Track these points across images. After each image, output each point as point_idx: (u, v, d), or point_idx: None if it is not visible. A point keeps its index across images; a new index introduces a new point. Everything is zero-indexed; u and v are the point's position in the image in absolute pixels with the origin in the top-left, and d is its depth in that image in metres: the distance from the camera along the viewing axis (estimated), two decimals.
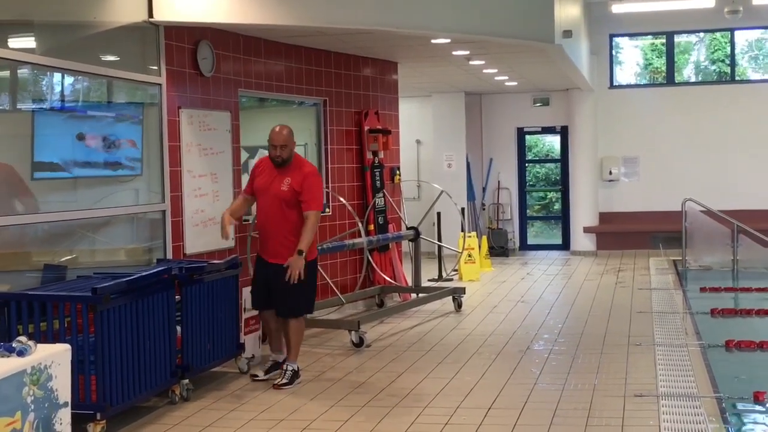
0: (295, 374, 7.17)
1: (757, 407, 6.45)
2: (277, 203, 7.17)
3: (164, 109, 8.06)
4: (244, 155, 9.69)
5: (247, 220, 9.29)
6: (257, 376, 7.33)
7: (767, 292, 11.69)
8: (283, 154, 7.20)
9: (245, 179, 9.70)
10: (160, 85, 8.03)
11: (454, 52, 11.04)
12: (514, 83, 15.30)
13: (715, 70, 17.55)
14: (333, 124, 10.77)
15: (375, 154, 11.21)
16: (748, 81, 17.12)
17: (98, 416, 5.67)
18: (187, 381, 6.72)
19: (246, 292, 7.76)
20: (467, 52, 11.15)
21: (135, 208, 8.03)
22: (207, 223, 8.54)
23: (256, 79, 9.47)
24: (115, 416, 5.93)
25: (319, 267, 9.49)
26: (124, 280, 6.14)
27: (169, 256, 7.95)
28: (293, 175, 7.20)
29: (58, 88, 7.43)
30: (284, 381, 7.10)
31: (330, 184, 10.55)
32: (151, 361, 6.26)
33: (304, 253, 7.00)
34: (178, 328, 6.70)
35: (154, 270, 6.72)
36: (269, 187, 7.23)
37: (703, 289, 11.75)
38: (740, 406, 6.45)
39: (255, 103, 10.48)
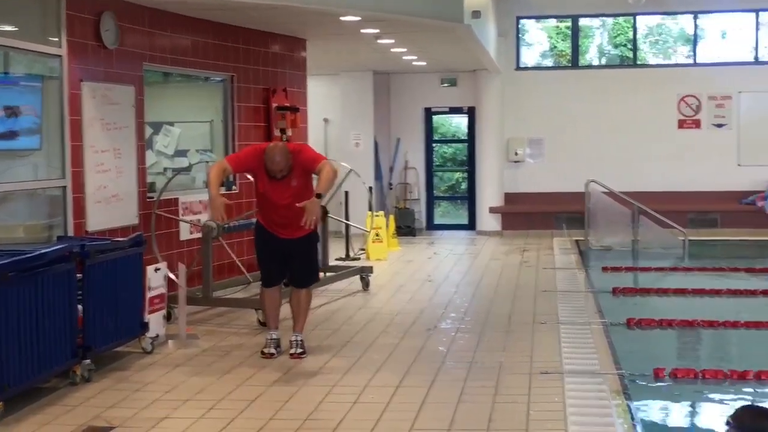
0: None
1: (658, 383, 6.62)
2: (292, 199, 7.03)
3: (65, 82, 7.81)
4: (148, 131, 9.48)
5: (152, 197, 9.10)
6: (274, 354, 7.28)
7: (666, 272, 12.02)
8: (285, 171, 7.02)
9: (150, 155, 9.54)
10: (60, 56, 7.78)
11: (363, 30, 10.97)
12: (423, 63, 15.32)
13: (617, 54, 17.89)
14: (240, 100, 10.61)
15: (283, 131, 11.09)
16: (649, 65, 17.50)
17: None
18: (88, 361, 6.53)
19: (150, 270, 7.59)
20: (377, 31, 11.10)
21: (34, 183, 7.78)
22: (110, 199, 8.33)
23: (162, 53, 9.26)
24: (13, 397, 5.73)
25: (225, 244, 9.40)
26: (23, 257, 5.93)
27: (71, 233, 7.73)
28: (294, 170, 7.05)
29: None
30: (301, 350, 7.29)
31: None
32: (51, 341, 6.07)
33: (323, 197, 7.09)
34: (80, 307, 6.51)
35: (55, 247, 6.51)
36: (279, 189, 7.07)
37: (605, 269, 12.00)
38: (641, 382, 6.60)
39: (160, 78, 10.25)
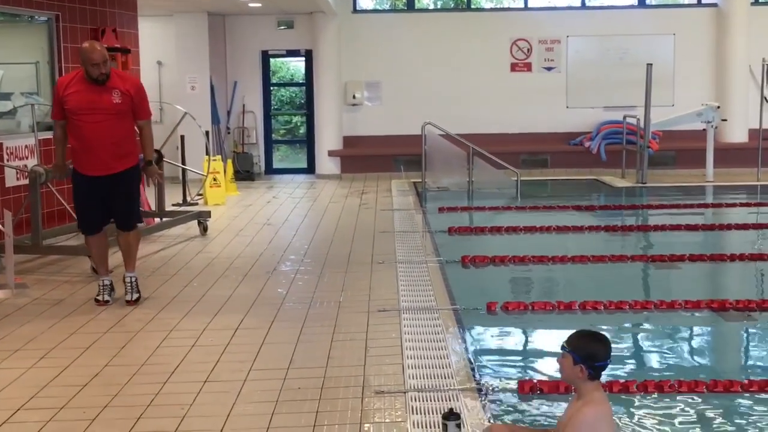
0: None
1: (490, 316, 6.86)
2: (110, 118, 6.91)
3: None
4: None
5: None
6: (109, 301, 7.08)
7: (499, 211, 12.39)
8: (107, 70, 6.89)
9: None
10: None
11: None
12: (258, 4, 15.08)
13: None
14: (67, 41, 10.18)
15: None
16: (483, 9, 17.83)
17: None
18: None
19: None
20: None
21: None
22: None
23: None
24: None
25: (54, 191, 9.08)
26: None
27: None
28: (120, 85, 6.96)
29: None
30: (137, 295, 7.13)
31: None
32: None
33: (153, 162, 7.31)
34: None
35: None
36: (96, 104, 6.88)
37: (441, 209, 12.25)
38: (474, 316, 6.82)
39: None
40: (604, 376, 3.72)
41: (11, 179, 9.22)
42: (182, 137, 13.37)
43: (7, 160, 9.16)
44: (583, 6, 17.47)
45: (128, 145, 7.10)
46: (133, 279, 7.20)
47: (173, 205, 12.31)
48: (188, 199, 13.07)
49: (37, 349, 5.91)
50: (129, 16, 11.50)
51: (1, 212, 8.05)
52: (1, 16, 9.85)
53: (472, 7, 17.61)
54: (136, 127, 7.20)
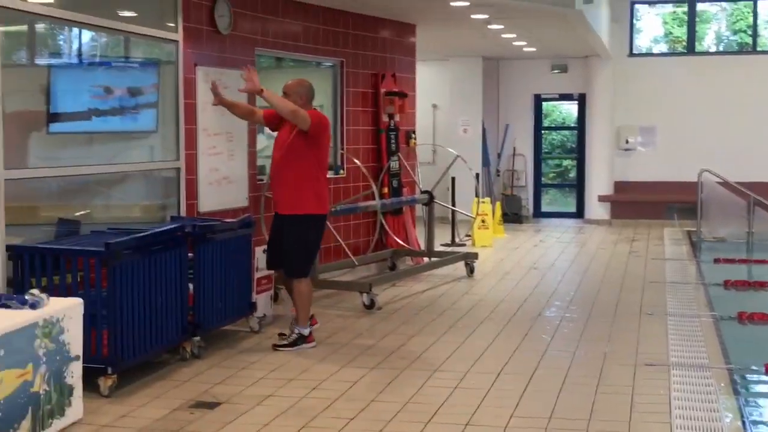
0: (301, 338, 7.02)
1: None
2: (284, 153, 7.04)
3: (180, 67, 8.01)
4: None
5: (261, 180, 9.28)
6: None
7: None
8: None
9: (261, 139, 9.74)
10: (176, 41, 7.99)
11: (473, 16, 10.93)
12: (533, 49, 15.17)
13: (736, 40, 17.35)
14: (350, 85, 10.70)
15: (391, 116, 11.15)
16: None
17: (109, 370, 5.70)
18: (198, 338, 6.73)
19: (258, 252, 7.76)
20: (486, 16, 11.04)
21: (150, 164, 8.02)
22: (221, 181, 8.53)
23: (274, 38, 9.41)
24: (126, 371, 5.95)
25: (331, 228, 9.51)
26: (137, 235, 6.16)
27: (183, 213, 7.95)
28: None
29: (75, 43, 7.40)
30: (284, 342, 7.04)
31: (345, 146, 10.51)
32: (163, 317, 6.28)
33: (263, 91, 6.90)
34: (190, 286, 6.70)
35: (168, 227, 6.73)
36: (280, 138, 7.19)
37: (717, 261, 11.70)
38: (751, 377, 6.44)
39: (272, 63, 10.42)
40: None
41: None
42: (453, 179, 13.65)
43: None
44: None
45: (296, 191, 7.02)
46: (295, 331, 7.05)
47: (442, 245, 12.56)
48: (457, 239, 13.30)
49: (310, 380, 6.21)
50: (408, 62, 11.93)
51: None
52: (292, 62, 10.52)
53: (758, 49, 16.76)
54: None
